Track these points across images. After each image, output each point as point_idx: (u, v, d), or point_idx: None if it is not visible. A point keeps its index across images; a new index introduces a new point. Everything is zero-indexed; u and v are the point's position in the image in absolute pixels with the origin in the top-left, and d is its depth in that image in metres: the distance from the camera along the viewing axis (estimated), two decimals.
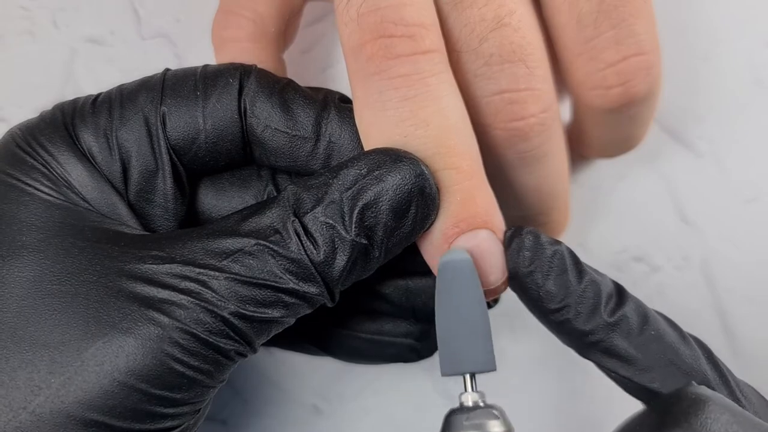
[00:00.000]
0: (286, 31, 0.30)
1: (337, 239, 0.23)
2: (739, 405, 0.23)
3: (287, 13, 0.30)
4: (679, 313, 0.33)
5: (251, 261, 0.22)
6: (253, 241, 0.23)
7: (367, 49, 0.24)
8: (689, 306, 0.33)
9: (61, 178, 0.24)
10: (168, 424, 0.23)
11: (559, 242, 0.24)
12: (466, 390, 0.24)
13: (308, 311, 0.24)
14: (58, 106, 0.25)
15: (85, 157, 0.24)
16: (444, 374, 0.24)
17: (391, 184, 0.23)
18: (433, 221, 0.24)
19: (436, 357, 0.30)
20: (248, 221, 0.23)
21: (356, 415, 0.33)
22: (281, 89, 0.25)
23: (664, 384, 0.24)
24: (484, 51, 0.25)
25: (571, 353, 0.25)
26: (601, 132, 0.29)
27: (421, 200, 0.23)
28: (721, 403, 0.21)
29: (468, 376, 0.24)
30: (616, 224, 0.34)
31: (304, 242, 0.23)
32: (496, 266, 0.24)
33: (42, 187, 0.24)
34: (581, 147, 0.31)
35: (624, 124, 0.29)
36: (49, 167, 0.24)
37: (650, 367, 0.24)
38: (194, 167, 0.26)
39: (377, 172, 0.23)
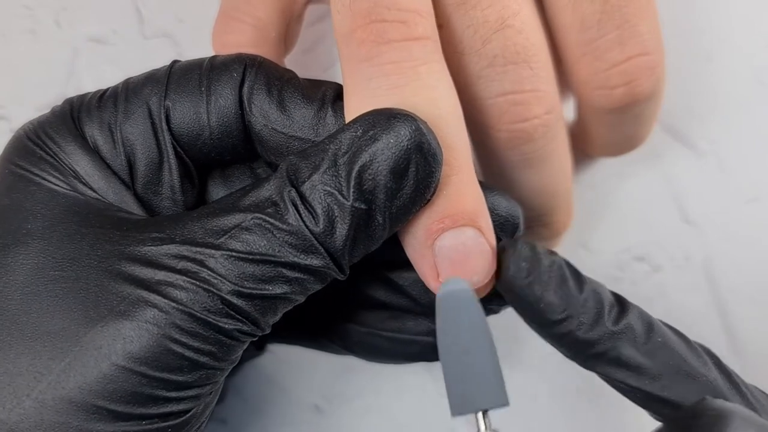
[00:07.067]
0: (287, 35, 0.30)
1: (335, 207, 0.22)
2: (754, 411, 0.23)
3: (288, 17, 0.29)
4: (680, 313, 0.33)
5: (248, 236, 0.22)
6: (250, 216, 0.22)
7: (358, 34, 0.23)
8: (691, 306, 0.33)
9: (69, 168, 0.24)
10: (173, 407, 0.22)
11: (555, 253, 0.24)
12: (479, 429, 0.22)
13: (319, 286, 0.23)
14: (68, 100, 0.25)
15: (91, 150, 0.24)
16: (454, 414, 0.22)
17: (386, 142, 0.22)
18: (438, 181, 0.23)
19: None
20: (248, 196, 0.23)
21: (357, 414, 0.33)
22: (281, 86, 0.25)
23: (675, 392, 0.23)
24: (487, 52, 0.25)
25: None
26: (604, 131, 0.29)
27: (420, 157, 0.22)
28: (745, 417, 0.21)
29: (480, 414, 0.22)
30: (618, 224, 0.34)
31: (302, 212, 0.22)
32: (480, 267, 0.23)
33: (49, 177, 0.24)
34: (584, 146, 0.31)
35: (627, 124, 0.29)
36: (56, 158, 0.24)
37: (660, 375, 0.23)
38: (200, 161, 0.25)
39: (372, 132, 0.22)
